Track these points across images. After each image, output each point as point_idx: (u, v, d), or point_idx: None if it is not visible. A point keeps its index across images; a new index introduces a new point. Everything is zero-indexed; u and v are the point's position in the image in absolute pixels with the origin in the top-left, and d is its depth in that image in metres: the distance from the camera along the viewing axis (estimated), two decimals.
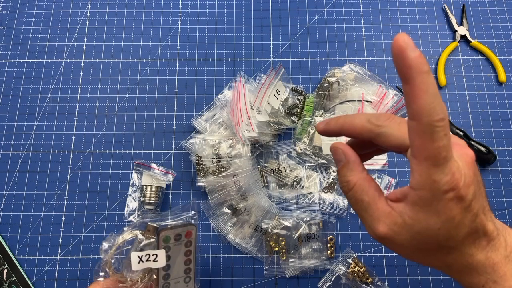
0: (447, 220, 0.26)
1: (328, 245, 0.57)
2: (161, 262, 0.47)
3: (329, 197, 0.59)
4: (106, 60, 0.67)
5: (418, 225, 0.26)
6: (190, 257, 0.49)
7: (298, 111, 0.62)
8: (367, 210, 0.29)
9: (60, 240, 0.58)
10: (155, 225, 0.49)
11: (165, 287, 0.49)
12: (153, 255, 0.46)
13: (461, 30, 0.68)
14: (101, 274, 0.48)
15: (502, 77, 0.65)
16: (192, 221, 0.52)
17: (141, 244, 0.48)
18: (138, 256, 0.46)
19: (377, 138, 0.29)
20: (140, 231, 0.49)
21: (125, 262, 0.48)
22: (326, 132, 0.33)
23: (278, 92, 0.61)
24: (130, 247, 0.48)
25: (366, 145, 0.33)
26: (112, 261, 0.48)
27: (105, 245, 0.49)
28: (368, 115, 0.30)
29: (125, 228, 0.50)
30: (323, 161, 0.59)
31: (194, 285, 0.51)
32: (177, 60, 0.67)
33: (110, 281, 0.46)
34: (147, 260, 0.46)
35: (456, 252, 0.28)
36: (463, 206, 0.26)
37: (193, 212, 0.53)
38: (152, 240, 0.48)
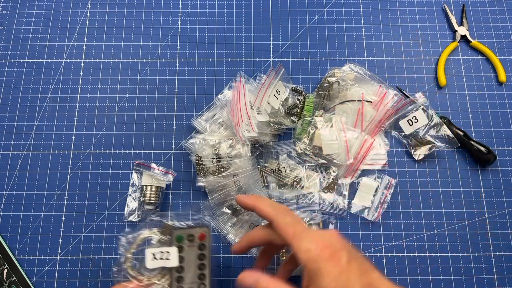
0: (335, 278, 0.33)
1: None
2: (174, 261, 0.46)
3: (329, 197, 0.59)
4: (106, 60, 0.67)
5: None
6: (204, 262, 0.47)
7: (298, 111, 0.62)
8: None
9: (60, 240, 0.58)
10: (170, 224, 0.49)
11: None
12: (166, 252, 0.46)
13: (461, 30, 0.68)
14: (117, 271, 0.48)
15: (502, 77, 0.65)
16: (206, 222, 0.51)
17: (154, 241, 0.48)
18: (152, 253, 0.46)
19: (272, 236, 0.42)
20: (158, 230, 0.48)
21: (143, 262, 0.47)
22: (241, 250, 0.45)
23: (278, 92, 0.61)
24: (146, 246, 0.47)
25: (271, 249, 0.47)
26: (129, 256, 0.48)
27: (123, 240, 0.49)
28: (260, 228, 0.44)
29: (141, 225, 0.50)
30: (323, 161, 0.59)
31: None
32: (177, 60, 0.67)
33: (133, 285, 0.46)
34: (160, 258, 0.46)
35: None
36: (342, 265, 0.34)
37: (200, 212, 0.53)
38: (167, 239, 0.48)
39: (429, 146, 0.60)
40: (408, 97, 0.62)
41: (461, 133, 0.61)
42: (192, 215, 0.54)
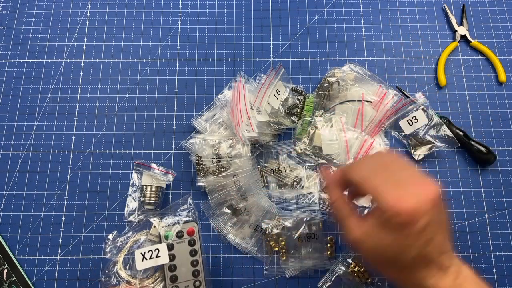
0: (395, 239, 0.33)
1: (328, 245, 0.57)
2: (164, 258, 0.46)
3: None
4: (106, 60, 0.67)
5: (375, 237, 0.35)
6: (196, 258, 0.48)
7: (298, 111, 0.62)
8: (345, 219, 0.38)
9: (60, 240, 0.58)
10: (159, 222, 0.49)
11: None
12: (155, 250, 0.46)
13: (461, 30, 0.68)
14: (112, 279, 0.47)
15: (502, 77, 0.65)
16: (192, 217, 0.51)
17: (144, 242, 0.48)
18: (141, 254, 0.46)
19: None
20: (147, 231, 0.48)
21: (134, 265, 0.47)
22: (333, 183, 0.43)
23: (278, 92, 0.61)
24: (137, 248, 0.48)
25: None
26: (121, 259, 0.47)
27: (110, 244, 0.48)
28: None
29: (127, 227, 0.50)
30: (323, 161, 0.59)
31: None
32: (177, 60, 0.67)
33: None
34: (150, 258, 0.45)
35: (408, 271, 0.34)
36: (413, 231, 0.32)
37: (186, 206, 0.52)
38: (156, 238, 0.48)
39: (429, 146, 0.60)
40: (408, 97, 0.62)
41: (461, 133, 0.61)
42: (181, 210, 0.54)
